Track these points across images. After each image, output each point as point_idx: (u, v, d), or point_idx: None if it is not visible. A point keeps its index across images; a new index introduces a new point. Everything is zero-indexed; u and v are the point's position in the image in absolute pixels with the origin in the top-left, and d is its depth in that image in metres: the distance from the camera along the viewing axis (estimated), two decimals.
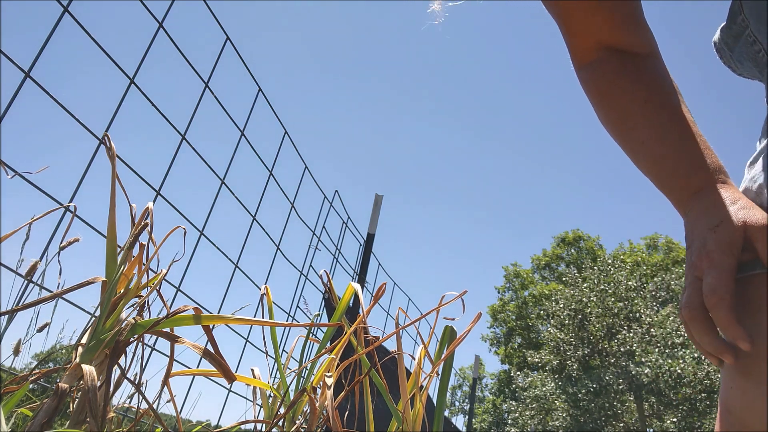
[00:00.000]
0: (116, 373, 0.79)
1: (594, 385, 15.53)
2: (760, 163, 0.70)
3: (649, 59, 0.81)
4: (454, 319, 1.19)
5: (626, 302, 16.20)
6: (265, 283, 1.31)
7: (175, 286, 1.40)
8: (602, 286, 16.87)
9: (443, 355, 1.18)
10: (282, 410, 1.10)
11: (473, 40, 40.64)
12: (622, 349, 15.43)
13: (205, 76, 1.49)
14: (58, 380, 0.72)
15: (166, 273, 0.93)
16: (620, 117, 0.80)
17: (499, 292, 25.37)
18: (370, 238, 2.84)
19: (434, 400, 1.22)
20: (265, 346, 1.24)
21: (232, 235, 1.82)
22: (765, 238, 0.61)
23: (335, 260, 2.49)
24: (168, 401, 0.91)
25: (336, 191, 2.50)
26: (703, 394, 13.61)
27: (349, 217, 2.64)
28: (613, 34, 0.79)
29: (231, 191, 1.61)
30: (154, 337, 0.95)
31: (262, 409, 1.18)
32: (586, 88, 0.84)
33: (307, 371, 1.18)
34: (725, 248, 0.63)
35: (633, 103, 0.78)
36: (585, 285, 17.47)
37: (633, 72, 0.79)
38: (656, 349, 14.61)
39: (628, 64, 0.80)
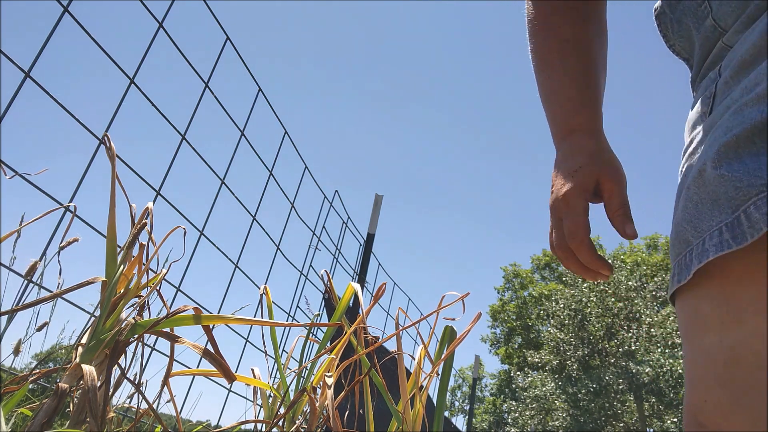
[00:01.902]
0: (116, 373, 0.79)
1: (594, 385, 15.52)
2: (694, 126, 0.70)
3: (590, 1, 0.84)
4: (454, 319, 1.19)
5: (626, 302, 16.19)
6: (265, 283, 1.31)
7: (175, 286, 1.40)
8: (602, 286, 16.86)
9: (443, 355, 1.18)
10: (282, 410, 1.10)
11: (474, 42, 40.67)
12: (621, 350, 15.43)
13: (205, 76, 1.49)
14: (58, 380, 0.72)
15: (166, 273, 0.93)
16: (539, 51, 0.85)
17: (498, 293, 25.38)
18: (370, 238, 2.84)
19: (434, 400, 1.22)
20: (265, 346, 1.24)
21: (232, 235, 1.82)
22: (612, 186, 0.71)
23: (335, 260, 2.49)
24: (168, 401, 0.91)
25: (336, 191, 2.50)
26: None
27: (349, 217, 2.64)
28: None
29: (231, 191, 1.61)
30: (154, 337, 0.95)
31: (262, 409, 1.18)
32: (526, 16, 0.87)
33: (307, 371, 1.18)
34: (579, 192, 0.71)
35: (553, 40, 0.83)
36: (585, 285, 17.46)
37: (565, 10, 0.82)
38: (657, 349, 14.62)
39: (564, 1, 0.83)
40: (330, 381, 1.00)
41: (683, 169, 0.65)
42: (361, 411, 1.16)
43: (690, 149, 0.65)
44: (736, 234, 0.49)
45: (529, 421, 17.23)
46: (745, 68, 0.57)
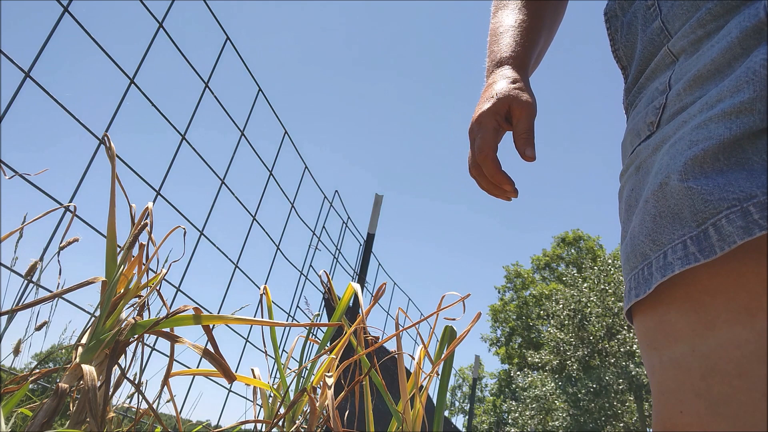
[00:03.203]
0: (116, 373, 0.79)
1: (594, 385, 15.53)
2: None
3: None
4: (454, 319, 1.19)
5: None
6: (265, 283, 1.31)
7: (175, 286, 1.40)
8: (602, 286, 16.87)
9: (443, 355, 1.18)
10: (282, 410, 1.10)
11: (473, 38, 40.65)
12: (622, 350, 15.43)
13: (205, 76, 1.49)
14: (58, 380, 0.72)
15: (166, 273, 0.93)
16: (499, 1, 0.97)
17: (499, 292, 25.38)
18: (370, 238, 2.84)
19: (434, 400, 1.22)
20: (265, 346, 1.24)
21: (232, 235, 1.82)
22: (520, 112, 0.78)
23: (335, 260, 2.49)
24: (168, 401, 0.91)
25: (336, 191, 2.50)
26: None
27: (349, 217, 2.64)
28: None
29: (231, 191, 1.61)
30: (154, 337, 0.95)
31: (262, 409, 1.18)
32: None
33: (307, 371, 1.18)
34: (491, 114, 0.79)
35: None
36: (585, 285, 17.47)
37: None
38: None
39: None
40: (330, 381, 1.00)
41: (630, 183, 0.64)
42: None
43: (637, 162, 0.64)
44: (703, 247, 0.48)
45: (529, 421, 17.23)
46: (701, 83, 0.57)
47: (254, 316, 1.03)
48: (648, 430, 15.07)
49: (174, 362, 0.85)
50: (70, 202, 1.05)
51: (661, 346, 0.54)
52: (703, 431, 0.49)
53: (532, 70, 0.92)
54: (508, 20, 0.91)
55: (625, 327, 15.95)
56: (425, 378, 1.17)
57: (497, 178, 0.79)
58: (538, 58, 0.96)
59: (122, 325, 0.79)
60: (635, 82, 0.74)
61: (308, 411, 1.07)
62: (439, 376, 1.19)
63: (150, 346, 1.25)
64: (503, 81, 0.82)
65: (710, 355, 0.48)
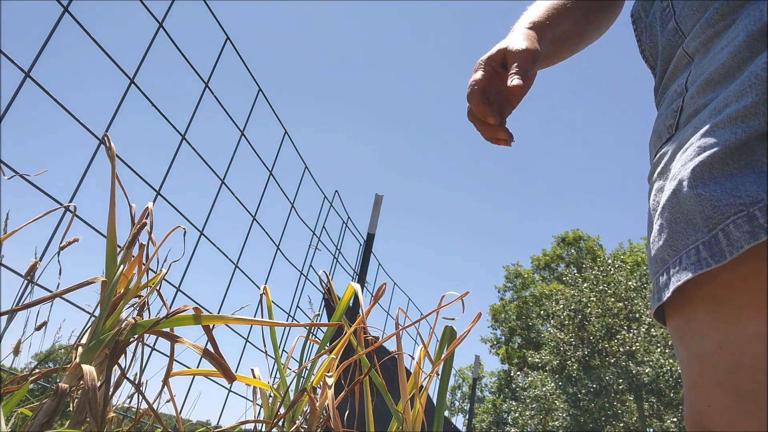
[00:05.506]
0: (116, 373, 0.79)
1: (594, 385, 15.52)
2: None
3: None
4: (453, 319, 1.19)
5: (626, 302, 16.19)
6: (265, 283, 1.31)
7: (175, 286, 1.40)
8: (602, 287, 16.86)
9: (443, 355, 1.18)
10: (282, 410, 1.10)
11: (474, 35, 40.67)
12: (621, 349, 15.43)
13: (205, 76, 1.49)
14: (58, 380, 0.72)
15: (166, 273, 0.93)
16: None
17: (499, 292, 25.38)
18: (370, 238, 2.84)
19: (434, 400, 1.22)
20: (265, 346, 1.24)
21: (232, 235, 1.82)
22: (514, 55, 0.79)
23: (335, 260, 2.49)
24: (168, 401, 0.91)
25: (336, 191, 2.50)
26: None
27: (349, 217, 2.64)
28: None
29: (231, 191, 1.61)
30: (154, 337, 0.95)
31: (262, 409, 1.18)
32: None
33: (307, 371, 1.18)
34: (486, 58, 0.82)
35: None
36: (585, 285, 17.47)
37: None
38: (657, 349, 14.62)
39: None
40: (330, 381, 1.00)
41: (654, 187, 0.66)
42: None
43: (660, 167, 0.65)
44: (714, 252, 0.50)
45: (529, 421, 17.23)
46: (711, 87, 0.58)
47: (254, 316, 1.03)
48: (648, 430, 15.07)
49: (174, 362, 0.85)
50: (70, 202, 1.05)
51: (689, 343, 0.56)
52: (730, 425, 0.50)
53: (554, 46, 0.92)
54: (534, 6, 0.92)
55: (625, 327, 15.95)
56: (425, 378, 1.17)
57: (479, 109, 0.80)
58: (563, 42, 0.94)
59: (122, 325, 0.79)
60: (660, 82, 0.75)
61: (308, 411, 1.07)
62: (439, 376, 1.19)
63: (150, 346, 1.25)
64: (507, 36, 0.84)
65: (735, 351, 0.50)
